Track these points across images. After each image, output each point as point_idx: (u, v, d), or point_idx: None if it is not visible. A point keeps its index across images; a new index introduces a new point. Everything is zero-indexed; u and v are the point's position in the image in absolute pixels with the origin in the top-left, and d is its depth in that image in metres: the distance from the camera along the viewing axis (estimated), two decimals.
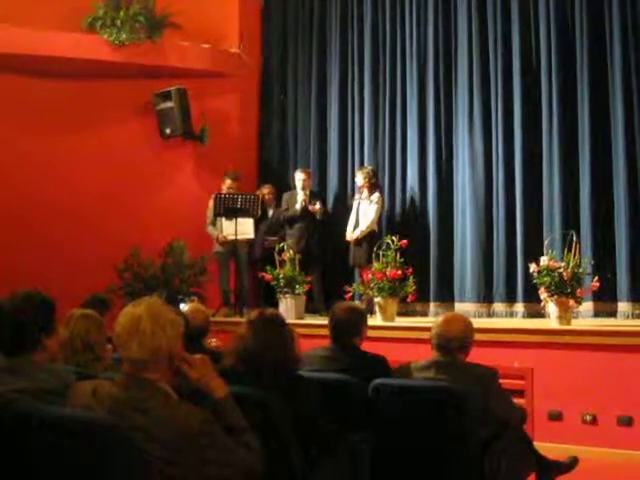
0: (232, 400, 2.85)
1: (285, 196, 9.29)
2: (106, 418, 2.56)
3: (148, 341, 2.66)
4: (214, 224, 9.02)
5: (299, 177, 9.13)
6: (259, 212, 8.91)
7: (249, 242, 9.03)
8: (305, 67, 10.16)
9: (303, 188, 9.05)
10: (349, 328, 4.43)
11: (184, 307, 5.12)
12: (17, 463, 2.62)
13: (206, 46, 9.65)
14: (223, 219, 8.80)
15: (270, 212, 9.39)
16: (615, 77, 7.85)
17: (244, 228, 8.80)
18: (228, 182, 9.12)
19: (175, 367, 2.77)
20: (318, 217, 8.93)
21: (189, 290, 8.19)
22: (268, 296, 8.55)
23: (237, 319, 7.89)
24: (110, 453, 2.45)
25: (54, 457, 2.54)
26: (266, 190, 9.44)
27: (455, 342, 4.07)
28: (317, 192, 9.42)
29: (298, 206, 8.97)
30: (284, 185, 9.97)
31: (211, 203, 8.98)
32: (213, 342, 5.90)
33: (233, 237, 8.69)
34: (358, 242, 8.62)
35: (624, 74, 7.79)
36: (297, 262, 8.15)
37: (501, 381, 4.16)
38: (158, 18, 9.43)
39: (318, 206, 8.89)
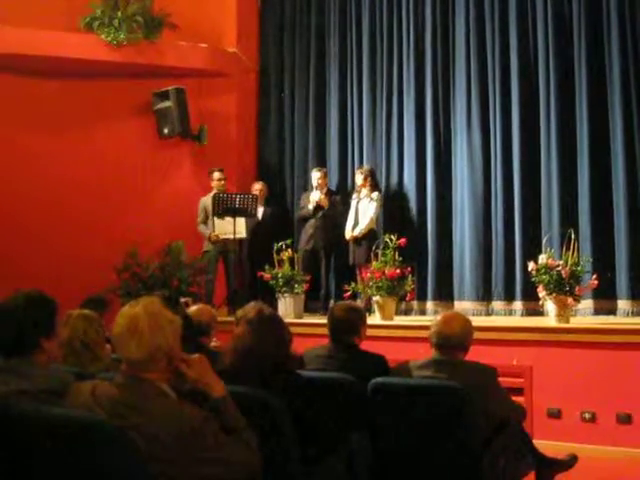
0: (230, 399, 2.85)
1: (303, 196, 9.36)
2: (105, 418, 2.56)
3: (147, 341, 2.66)
4: (205, 223, 9.03)
5: (314, 176, 9.15)
6: (257, 212, 8.92)
7: (238, 241, 8.99)
8: (303, 66, 10.16)
9: (318, 187, 9.05)
10: (348, 327, 4.44)
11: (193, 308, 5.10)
12: (16, 464, 2.61)
13: (204, 46, 9.65)
14: (215, 218, 8.80)
15: (261, 210, 9.30)
16: (613, 74, 7.84)
17: (237, 227, 8.83)
18: (217, 175, 9.15)
19: (173, 367, 2.76)
20: (326, 208, 8.93)
21: (188, 290, 8.18)
22: (265, 295, 8.54)
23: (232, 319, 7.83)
24: (109, 453, 2.45)
25: (53, 458, 2.54)
26: (258, 186, 9.42)
27: (454, 341, 4.07)
28: (333, 191, 9.38)
29: (310, 205, 9.00)
30: (282, 184, 9.99)
31: (202, 202, 9.04)
32: (213, 342, 5.88)
33: (225, 236, 8.75)
34: (358, 241, 8.62)
35: (622, 71, 7.79)
36: (298, 261, 8.18)
37: (500, 379, 4.16)
38: (156, 18, 9.43)
39: (322, 196, 8.94)
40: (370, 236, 8.51)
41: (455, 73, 8.93)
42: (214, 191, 9.03)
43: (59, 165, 9.31)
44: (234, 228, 8.54)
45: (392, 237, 7.66)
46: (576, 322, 6.90)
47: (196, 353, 2.92)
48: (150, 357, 2.67)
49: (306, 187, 9.40)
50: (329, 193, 9.15)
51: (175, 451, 2.57)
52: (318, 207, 8.96)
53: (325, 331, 4.52)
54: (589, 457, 5.43)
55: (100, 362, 4.05)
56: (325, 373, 4.01)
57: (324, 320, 4.67)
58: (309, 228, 9.05)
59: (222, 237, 8.81)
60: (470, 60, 8.77)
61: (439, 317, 4.24)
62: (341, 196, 9.31)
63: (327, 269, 9.03)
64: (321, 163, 9.73)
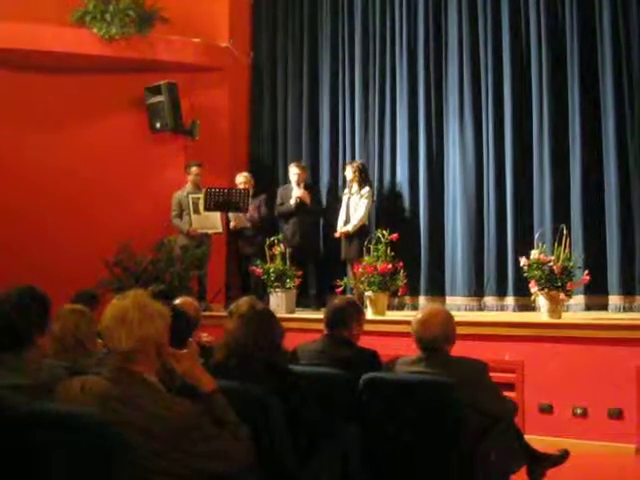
0: (221, 394, 2.85)
1: (279, 190, 9.29)
2: (95, 413, 2.55)
3: (136, 331, 2.66)
4: (180, 217, 9.04)
5: (293, 171, 9.09)
6: (249, 207, 8.89)
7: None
8: (295, 61, 10.14)
9: (298, 183, 9.02)
10: (342, 318, 4.43)
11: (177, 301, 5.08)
12: (7, 458, 2.61)
13: (196, 40, 9.62)
14: (192, 212, 8.85)
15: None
16: (606, 70, 7.84)
17: (212, 222, 8.84)
18: (195, 169, 9.15)
19: (162, 362, 2.77)
20: (309, 205, 8.92)
21: (181, 284, 8.15)
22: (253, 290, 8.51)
23: (219, 313, 7.73)
24: (100, 447, 2.45)
25: (45, 452, 2.54)
26: (242, 179, 9.32)
27: (437, 341, 4.00)
28: (310, 186, 9.38)
29: (292, 201, 8.95)
30: (274, 179, 9.97)
31: (175, 197, 9.07)
32: (204, 337, 5.87)
33: (202, 230, 8.85)
34: (349, 236, 8.61)
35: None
36: (288, 256, 8.15)
37: (492, 374, 4.16)
38: (148, 12, 9.39)
39: (305, 193, 8.93)
40: (362, 231, 8.50)
41: (448, 69, 8.91)
42: (188, 185, 9.10)
43: (51, 159, 9.26)
44: (227, 222, 8.61)
45: (384, 232, 7.66)
46: (568, 317, 6.92)
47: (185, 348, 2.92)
48: (139, 347, 2.67)
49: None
50: (307, 188, 9.12)
51: (167, 445, 2.57)
52: (301, 203, 8.94)
53: (317, 326, 4.52)
54: (580, 452, 5.44)
55: (92, 357, 4.04)
56: (317, 368, 4.01)
57: (315, 315, 4.67)
58: (292, 225, 9.01)
59: (200, 232, 8.84)
60: (463, 55, 8.76)
61: (417, 317, 4.10)
62: (332, 191, 9.32)
63: (317, 265, 9.01)
64: (313, 157, 9.73)
